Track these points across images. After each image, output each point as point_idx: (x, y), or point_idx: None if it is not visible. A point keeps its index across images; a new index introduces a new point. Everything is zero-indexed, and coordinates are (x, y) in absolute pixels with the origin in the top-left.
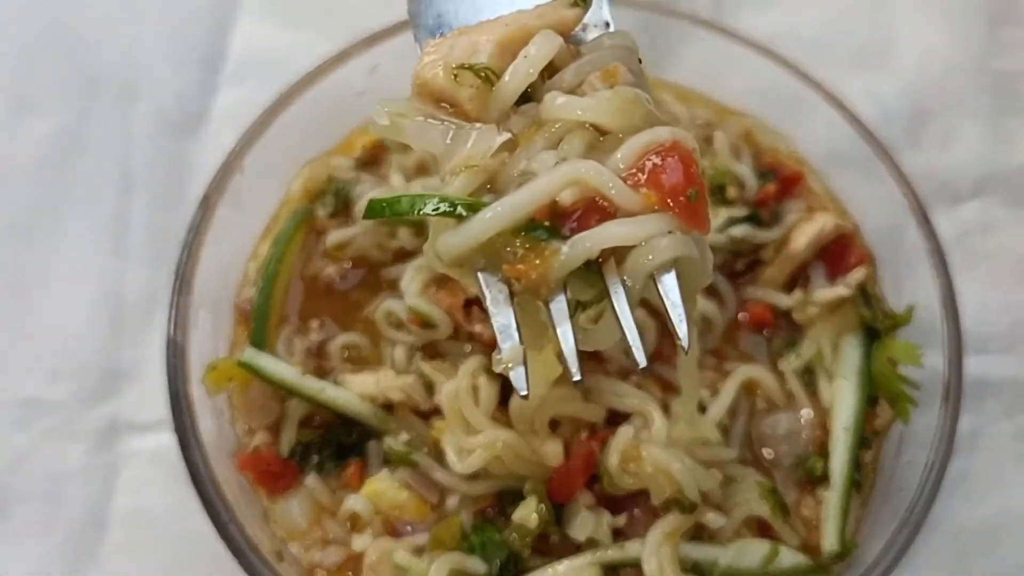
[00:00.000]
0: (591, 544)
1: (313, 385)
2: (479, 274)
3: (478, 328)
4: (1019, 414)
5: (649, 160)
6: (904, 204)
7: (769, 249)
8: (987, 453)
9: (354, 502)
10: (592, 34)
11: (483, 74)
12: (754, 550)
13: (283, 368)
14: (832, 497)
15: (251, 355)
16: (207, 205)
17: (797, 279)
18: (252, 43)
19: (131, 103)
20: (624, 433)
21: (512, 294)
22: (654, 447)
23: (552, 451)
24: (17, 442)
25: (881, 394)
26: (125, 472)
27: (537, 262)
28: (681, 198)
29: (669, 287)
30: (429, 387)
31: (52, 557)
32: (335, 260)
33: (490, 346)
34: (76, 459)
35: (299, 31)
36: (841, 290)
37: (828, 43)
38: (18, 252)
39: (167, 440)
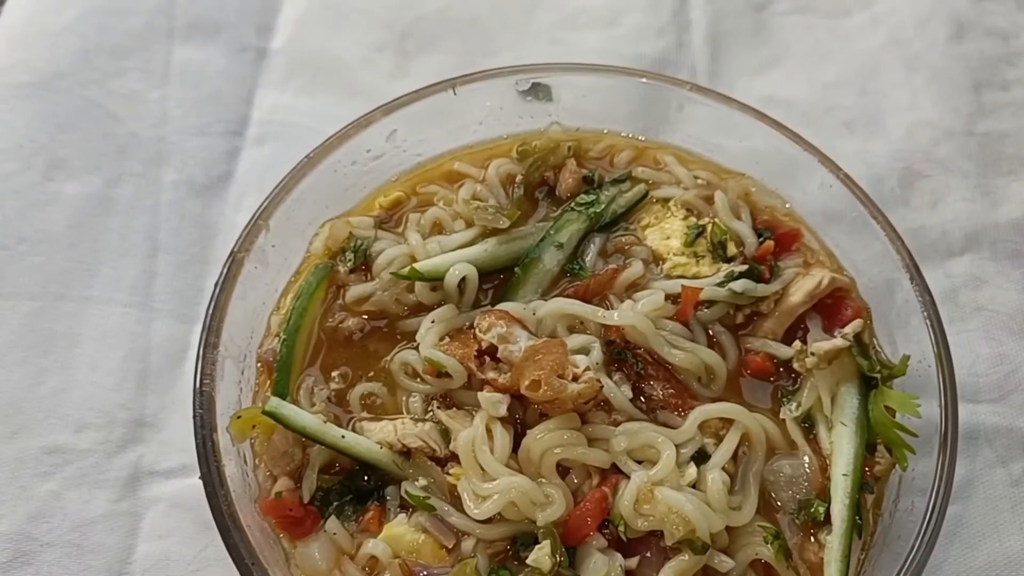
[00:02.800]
0: None
1: (334, 433)
2: None
3: (491, 375)
4: (1013, 462)
5: None
6: (897, 260)
7: (768, 302)
8: (982, 501)
9: (373, 546)
10: None
11: None
12: None
13: (306, 417)
14: (834, 541)
15: (275, 404)
16: (234, 261)
17: (795, 332)
18: (273, 110)
19: (158, 167)
20: (639, 476)
21: None
22: (668, 489)
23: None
24: (42, 490)
25: (879, 441)
26: (147, 519)
27: None
28: None
29: None
30: (445, 434)
31: None
32: (354, 313)
33: (504, 392)
34: (100, 506)
35: (316, 98)
36: (839, 341)
37: (820, 109)
38: (49, 308)
39: (188, 486)
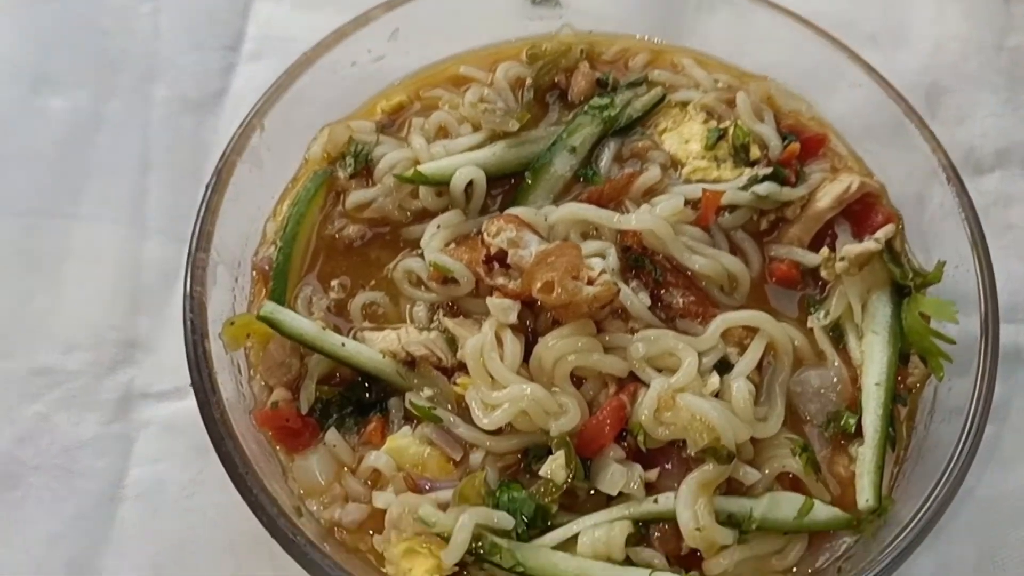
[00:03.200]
0: (623, 498)
1: (333, 340)
2: None
3: (500, 281)
4: None
5: None
6: (932, 160)
7: (794, 208)
8: (1018, 424)
9: (375, 459)
10: None
11: None
12: (788, 502)
13: (303, 322)
14: (867, 453)
15: (270, 309)
16: (227, 161)
17: (823, 239)
18: (269, 23)
19: (150, 82)
20: (659, 382)
21: None
22: (690, 395)
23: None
24: (29, 412)
25: (913, 350)
26: (140, 442)
27: None
28: None
29: None
30: (452, 343)
31: (64, 529)
32: (355, 220)
33: (514, 298)
34: (90, 429)
35: (314, 11)
36: (871, 244)
37: (844, 22)
38: (37, 227)
39: (182, 409)
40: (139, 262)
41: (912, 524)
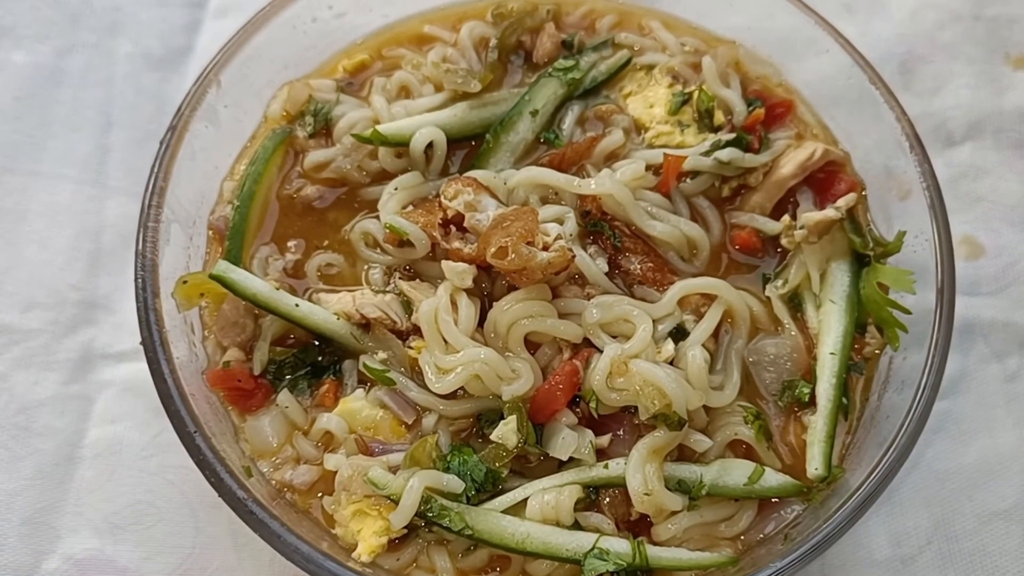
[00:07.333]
0: (574, 464)
1: (287, 301)
2: None
3: (456, 245)
4: (1008, 357)
5: None
6: (897, 131)
7: (756, 175)
8: (975, 396)
9: (327, 421)
10: None
11: None
12: (738, 468)
13: (256, 282)
14: (818, 422)
15: (223, 268)
16: (181, 116)
17: (785, 207)
18: None
19: (112, 38)
20: (612, 348)
21: None
22: (643, 361)
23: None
24: None
25: (871, 319)
26: (99, 403)
27: None
28: None
29: None
30: (407, 306)
31: (21, 488)
32: (313, 181)
33: (470, 262)
34: (49, 389)
35: None
36: (831, 212)
37: None
38: None
39: (142, 370)
40: (100, 221)
41: (858, 492)
